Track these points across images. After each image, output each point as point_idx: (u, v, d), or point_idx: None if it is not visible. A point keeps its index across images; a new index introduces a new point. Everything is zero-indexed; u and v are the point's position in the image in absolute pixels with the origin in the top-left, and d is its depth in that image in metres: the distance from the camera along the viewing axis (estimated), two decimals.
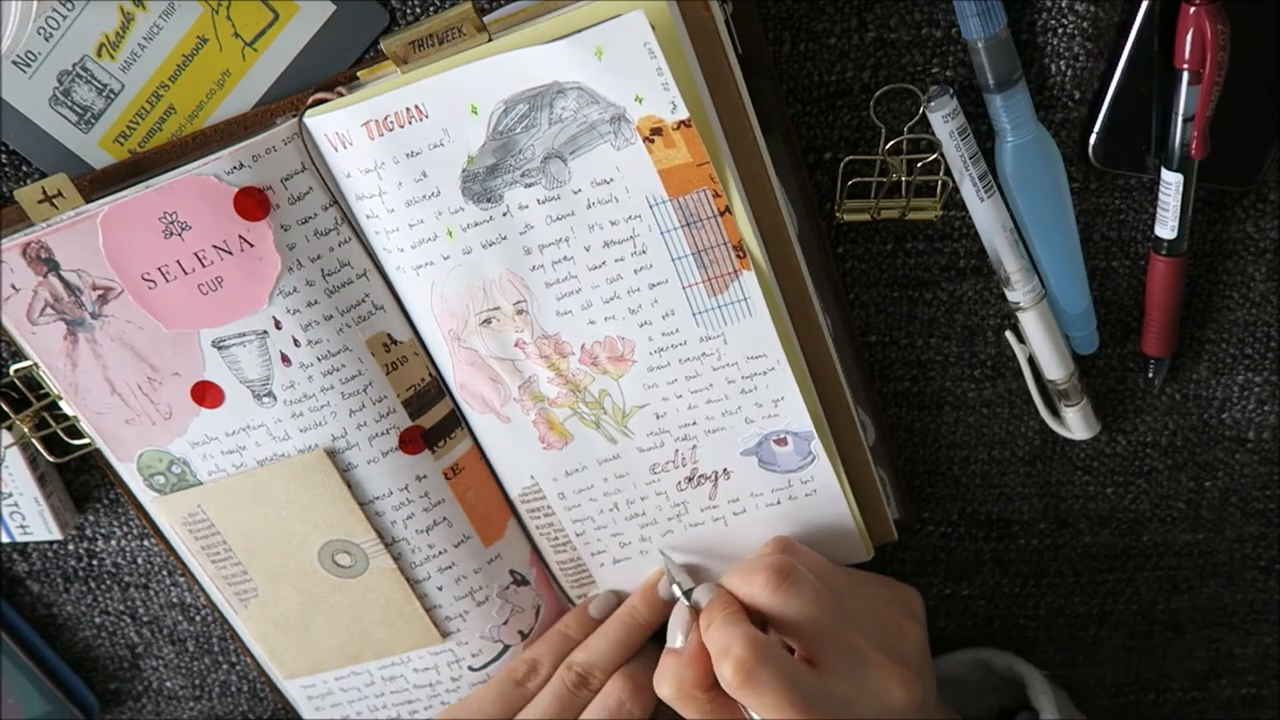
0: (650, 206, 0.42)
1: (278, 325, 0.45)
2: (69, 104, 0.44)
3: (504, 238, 0.44)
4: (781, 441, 0.47)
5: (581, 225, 0.43)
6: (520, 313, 0.45)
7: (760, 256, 0.42)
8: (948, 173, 0.45)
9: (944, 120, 0.43)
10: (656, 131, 0.40)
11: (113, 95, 0.44)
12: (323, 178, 0.44)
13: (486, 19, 0.41)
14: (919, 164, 0.45)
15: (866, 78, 0.44)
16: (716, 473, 0.48)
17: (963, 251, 0.48)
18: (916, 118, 0.44)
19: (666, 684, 0.45)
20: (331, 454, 0.48)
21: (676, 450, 0.48)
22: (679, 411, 0.47)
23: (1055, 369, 0.49)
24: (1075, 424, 0.51)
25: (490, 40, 0.40)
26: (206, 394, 0.47)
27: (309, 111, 0.43)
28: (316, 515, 0.50)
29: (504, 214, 0.43)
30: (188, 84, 0.44)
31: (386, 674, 0.55)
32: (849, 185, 0.46)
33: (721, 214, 0.42)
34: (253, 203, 0.43)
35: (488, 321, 0.46)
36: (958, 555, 0.56)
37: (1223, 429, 0.52)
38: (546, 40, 0.39)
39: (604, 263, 0.43)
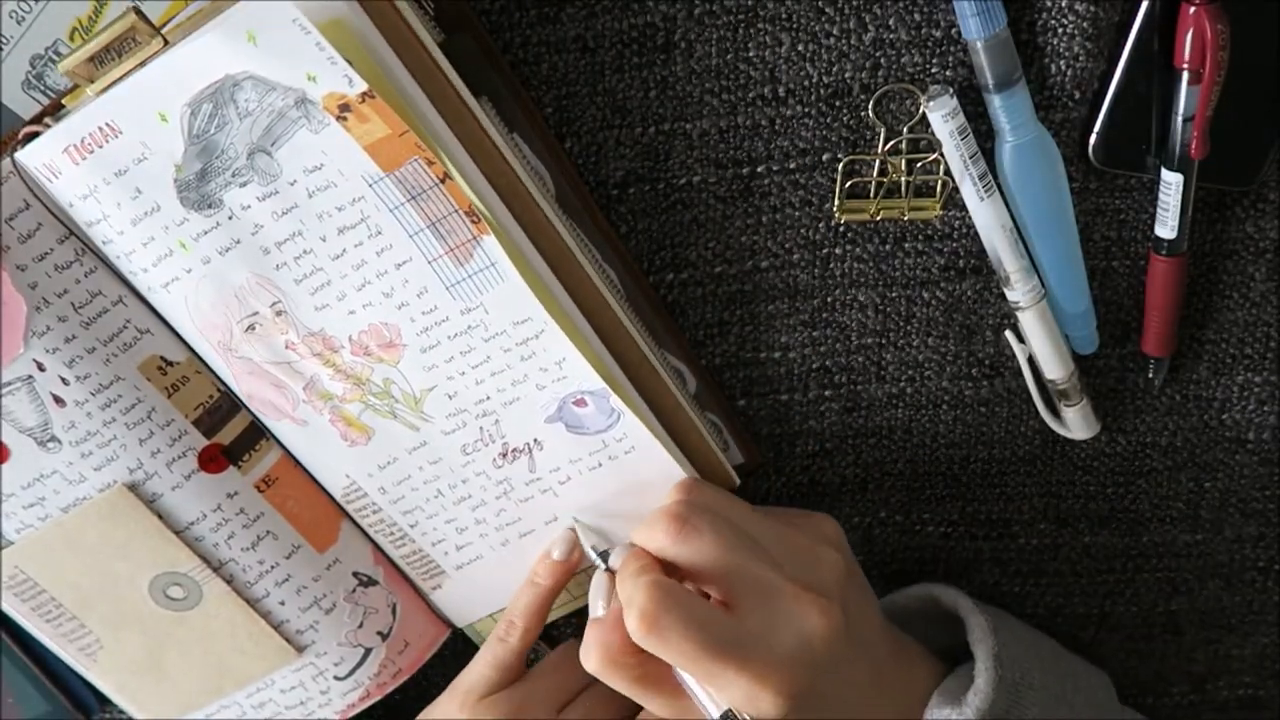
0: (370, 185, 0.40)
1: (41, 368, 0.44)
2: (41, 88, 0.44)
3: (238, 241, 0.42)
4: (581, 403, 0.45)
5: (309, 216, 0.42)
6: (280, 314, 0.44)
7: (495, 218, 0.41)
8: (947, 173, 0.45)
9: (944, 120, 0.43)
10: (345, 108, 0.39)
11: None
12: (53, 212, 0.43)
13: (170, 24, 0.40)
14: (919, 164, 0.45)
15: (866, 78, 0.44)
16: (528, 444, 0.47)
17: (962, 251, 0.48)
18: (916, 118, 0.44)
19: (592, 655, 0.44)
20: (133, 487, 0.47)
21: (481, 428, 0.47)
22: (469, 389, 0.45)
23: (1055, 369, 0.49)
24: (1075, 424, 0.51)
25: (167, 44, 0.39)
26: None
27: (20, 147, 0.42)
28: (136, 552, 0.48)
29: (229, 218, 0.42)
30: None
31: (254, 701, 0.53)
32: (848, 185, 0.46)
33: (442, 181, 0.40)
34: None
35: (251, 328, 0.45)
36: (958, 555, 0.56)
37: (1223, 429, 0.52)
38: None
39: (344, 250, 0.42)
